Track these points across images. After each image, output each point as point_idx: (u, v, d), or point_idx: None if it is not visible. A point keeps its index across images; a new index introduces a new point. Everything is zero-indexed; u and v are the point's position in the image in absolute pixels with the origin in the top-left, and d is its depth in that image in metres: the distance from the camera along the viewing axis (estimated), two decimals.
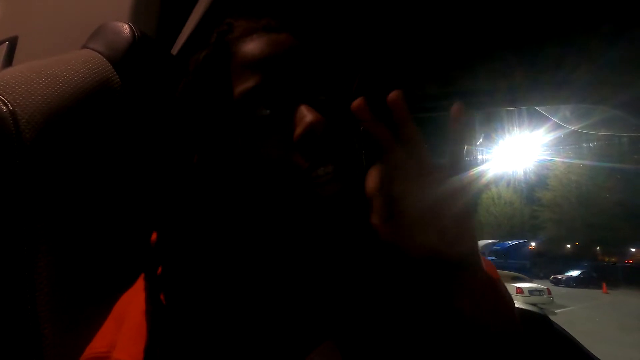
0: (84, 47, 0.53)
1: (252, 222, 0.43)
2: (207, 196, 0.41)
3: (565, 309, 11.17)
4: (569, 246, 28.19)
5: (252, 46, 0.41)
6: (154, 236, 0.42)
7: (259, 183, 0.41)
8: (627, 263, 22.41)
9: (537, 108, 1.05)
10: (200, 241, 0.40)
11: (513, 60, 0.81)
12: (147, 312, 0.36)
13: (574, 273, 18.93)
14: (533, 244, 27.93)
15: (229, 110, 0.41)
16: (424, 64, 0.87)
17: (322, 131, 0.38)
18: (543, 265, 23.42)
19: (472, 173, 0.36)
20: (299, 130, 0.38)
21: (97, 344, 0.39)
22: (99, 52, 0.52)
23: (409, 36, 0.77)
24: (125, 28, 0.53)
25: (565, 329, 1.18)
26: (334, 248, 0.45)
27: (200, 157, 0.41)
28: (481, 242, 25.17)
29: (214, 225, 0.41)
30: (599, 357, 1.12)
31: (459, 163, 0.36)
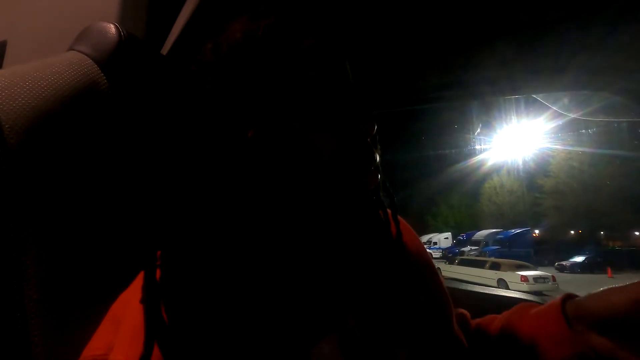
0: (70, 49, 0.52)
1: (267, 215, 0.42)
2: (240, 184, 0.40)
3: None
4: (572, 232, 28.25)
5: (311, 40, 0.42)
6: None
7: (308, 169, 0.40)
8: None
9: (536, 97, 1.04)
10: (204, 240, 0.39)
11: (513, 48, 0.81)
12: (146, 313, 0.36)
13: (579, 259, 18.93)
14: (536, 231, 27.95)
15: (296, 88, 0.40)
16: (425, 54, 0.87)
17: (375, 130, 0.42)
18: (547, 252, 23.42)
19: None
20: (364, 126, 0.41)
21: (95, 346, 0.38)
22: (85, 54, 0.51)
23: (409, 27, 0.76)
24: (112, 28, 0.52)
25: None
26: (337, 240, 0.45)
27: (256, 132, 0.39)
28: (484, 232, 25.25)
29: (218, 222, 0.40)
30: None
31: None
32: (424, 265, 0.57)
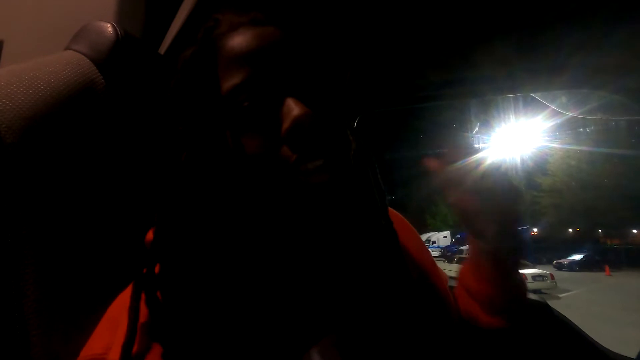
0: (67, 48, 0.52)
1: (244, 217, 0.42)
2: (197, 193, 0.40)
3: (569, 293, 11.24)
4: (570, 231, 28.30)
5: (238, 41, 0.41)
6: (149, 235, 0.41)
7: (247, 178, 0.40)
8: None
9: (534, 96, 1.05)
10: (196, 238, 0.39)
11: (512, 47, 0.81)
12: (130, 310, 0.36)
13: (577, 257, 19.00)
14: (535, 229, 28.01)
15: (217, 106, 0.40)
16: (424, 52, 0.86)
17: (309, 124, 0.37)
18: (545, 250, 23.49)
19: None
20: (286, 124, 0.38)
21: (94, 346, 0.38)
22: (82, 53, 0.50)
23: (409, 25, 0.76)
24: (108, 28, 0.52)
25: (570, 312, 1.19)
26: (328, 240, 0.44)
27: (188, 154, 0.41)
28: None
29: (208, 222, 0.40)
30: (604, 338, 1.12)
31: None
32: (424, 265, 0.56)
